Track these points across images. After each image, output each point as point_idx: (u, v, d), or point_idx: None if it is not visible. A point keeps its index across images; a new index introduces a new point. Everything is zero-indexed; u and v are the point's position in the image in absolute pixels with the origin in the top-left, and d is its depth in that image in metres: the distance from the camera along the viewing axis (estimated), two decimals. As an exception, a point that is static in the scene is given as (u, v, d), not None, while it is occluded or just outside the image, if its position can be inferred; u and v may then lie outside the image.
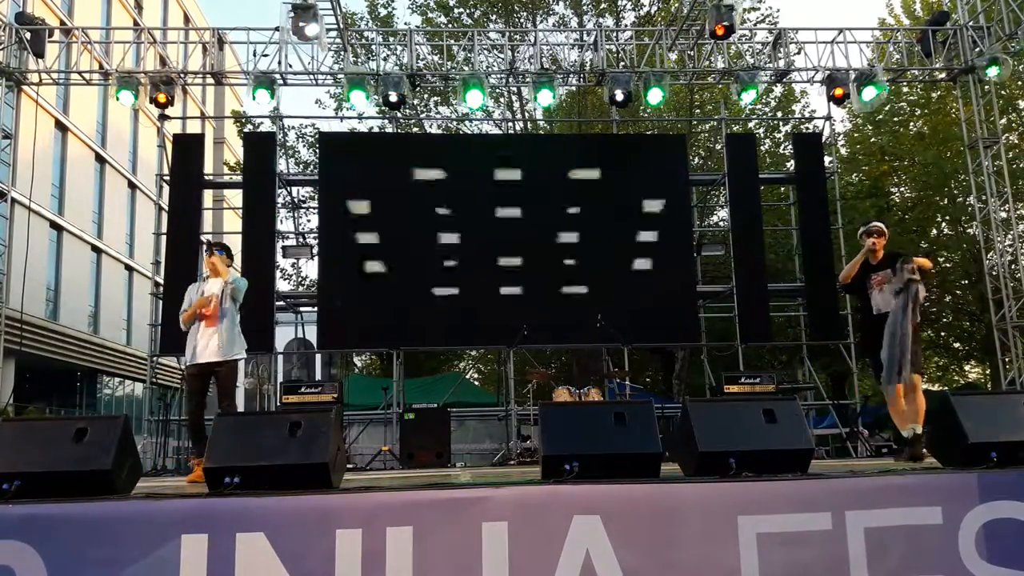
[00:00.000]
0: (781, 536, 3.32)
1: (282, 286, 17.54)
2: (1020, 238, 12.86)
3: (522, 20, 20.30)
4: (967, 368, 26.24)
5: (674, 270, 12.38)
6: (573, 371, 19.21)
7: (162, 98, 11.81)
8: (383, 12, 20.13)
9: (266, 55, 12.16)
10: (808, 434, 4.01)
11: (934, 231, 20.73)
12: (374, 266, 12.02)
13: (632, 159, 12.77)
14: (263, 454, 3.57)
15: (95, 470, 3.50)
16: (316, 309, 12.40)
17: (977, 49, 12.58)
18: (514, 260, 12.02)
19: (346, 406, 11.28)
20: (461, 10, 20.54)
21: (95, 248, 26.36)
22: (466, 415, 13.90)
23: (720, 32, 11.27)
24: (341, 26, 12.25)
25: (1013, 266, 12.64)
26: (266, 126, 18.70)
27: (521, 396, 11.97)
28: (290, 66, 12.31)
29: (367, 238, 12.04)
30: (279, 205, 12.98)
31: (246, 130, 19.70)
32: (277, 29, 11.99)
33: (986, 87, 12.92)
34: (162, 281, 12.18)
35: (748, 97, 12.59)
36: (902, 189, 21.33)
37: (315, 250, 12.97)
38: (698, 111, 20.19)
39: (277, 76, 12.13)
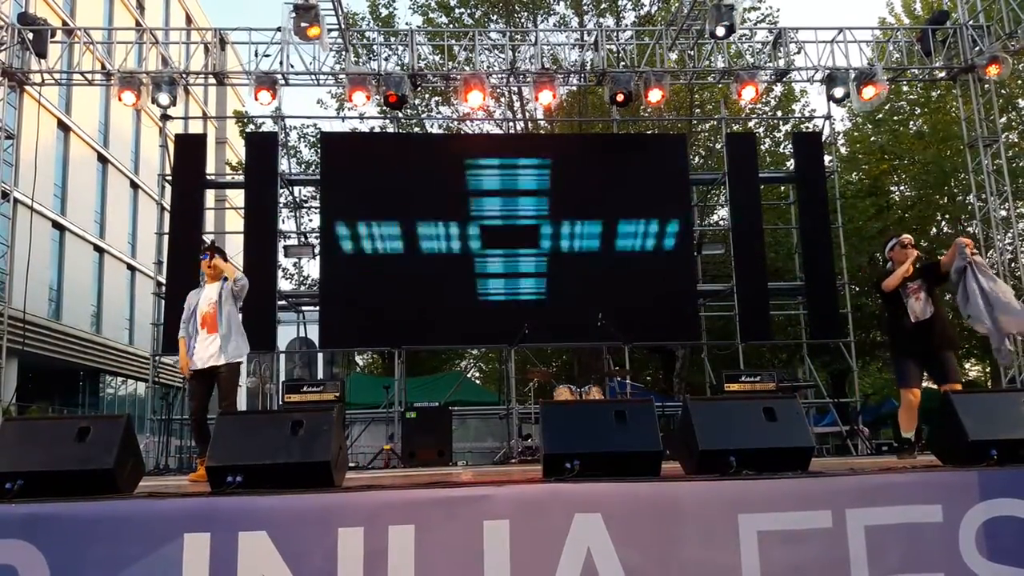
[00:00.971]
0: (782, 534, 3.33)
1: (284, 285, 17.55)
2: (1020, 236, 12.86)
3: (523, 20, 20.30)
4: (967, 366, 26.24)
5: (675, 269, 12.39)
6: (574, 370, 19.25)
7: (161, 101, 11.85)
8: (384, 12, 20.14)
9: (268, 55, 12.20)
10: (808, 432, 4.02)
11: (934, 230, 20.72)
12: (375, 266, 12.04)
13: (632, 158, 12.78)
14: (265, 453, 3.57)
15: (97, 469, 3.50)
16: (318, 308, 12.42)
17: (977, 48, 12.58)
18: (515, 259, 12.04)
19: (348, 405, 11.31)
20: (462, 10, 20.54)
21: (97, 248, 26.38)
22: (467, 414, 13.91)
23: (723, 34, 11.29)
24: (342, 26, 12.26)
25: (1013, 264, 12.64)
26: (268, 126, 18.73)
27: (522, 395, 11.98)
28: (292, 66, 12.34)
29: (368, 237, 12.05)
30: (281, 205, 12.98)
31: (248, 130, 19.72)
32: (279, 29, 12.02)
33: (986, 86, 12.92)
34: (164, 281, 12.20)
35: (748, 96, 12.60)
36: (902, 188, 21.32)
37: (317, 249, 12.99)
38: (698, 110, 20.18)
39: (279, 76, 12.15)
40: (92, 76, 12.77)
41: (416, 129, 19.61)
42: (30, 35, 11.80)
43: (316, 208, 15.98)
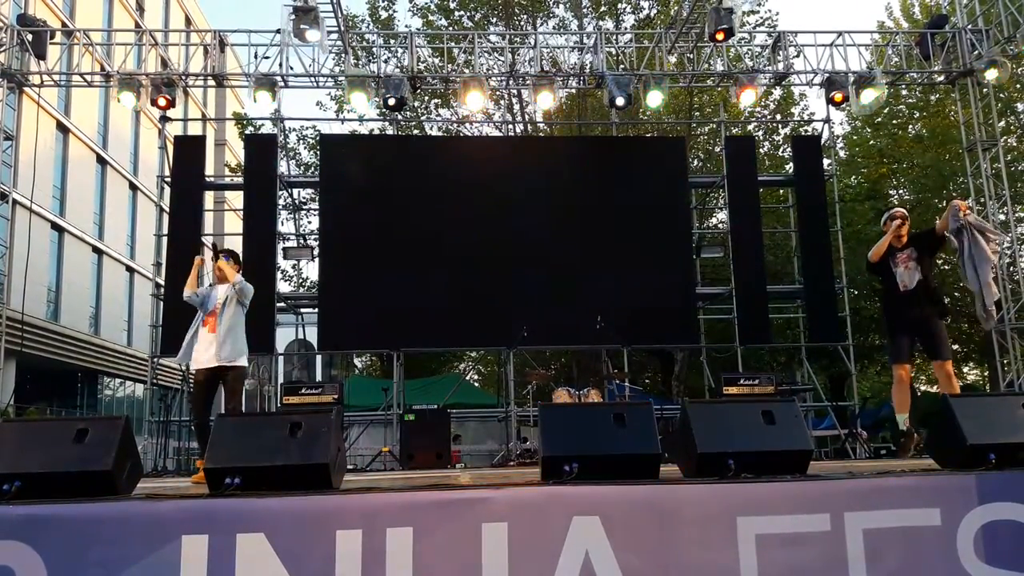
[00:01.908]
0: (780, 537, 3.33)
1: (283, 287, 17.56)
2: (1018, 240, 12.88)
3: (522, 23, 20.33)
4: (966, 370, 26.26)
5: (673, 272, 12.40)
6: (573, 372, 19.25)
7: (163, 102, 11.86)
8: (384, 15, 20.17)
9: (267, 57, 12.22)
10: (807, 435, 4.02)
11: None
12: (374, 267, 12.04)
13: (632, 161, 12.80)
14: (264, 455, 3.57)
15: (96, 471, 3.50)
16: (317, 310, 12.42)
17: (976, 52, 12.60)
18: (514, 261, 12.03)
19: (346, 407, 11.30)
20: (461, 12, 20.57)
21: (96, 249, 26.38)
22: (466, 416, 13.90)
23: (720, 36, 11.30)
24: (342, 28, 12.27)
25: (1011, 268, 12.66)
26: (267, 128, 18.75)
27: (521, 397, 11.98)
28: (291, 68, 12.35)
29: (367, 239, 12.05)
30: (280, 206, 12.99)
31: (247, 132, 19.73)
32: (278, 31, 12.04)
33: (984, 90, 12.95)
34: (163, 282, 12.20)
35: (747, 99, 12.62)
36: (901, 191, 21.34)
37: (316, 251, 13.00)
38: (697, 113, 20.21)
39: (278, 78, 12.15)
40: (91, 77, 12.77)
41: (415, 131, 19.62)
42: (29, 36, 11.80)
43: (315, 210, 16.00)
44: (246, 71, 12.43)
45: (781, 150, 20.56)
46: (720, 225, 18.35)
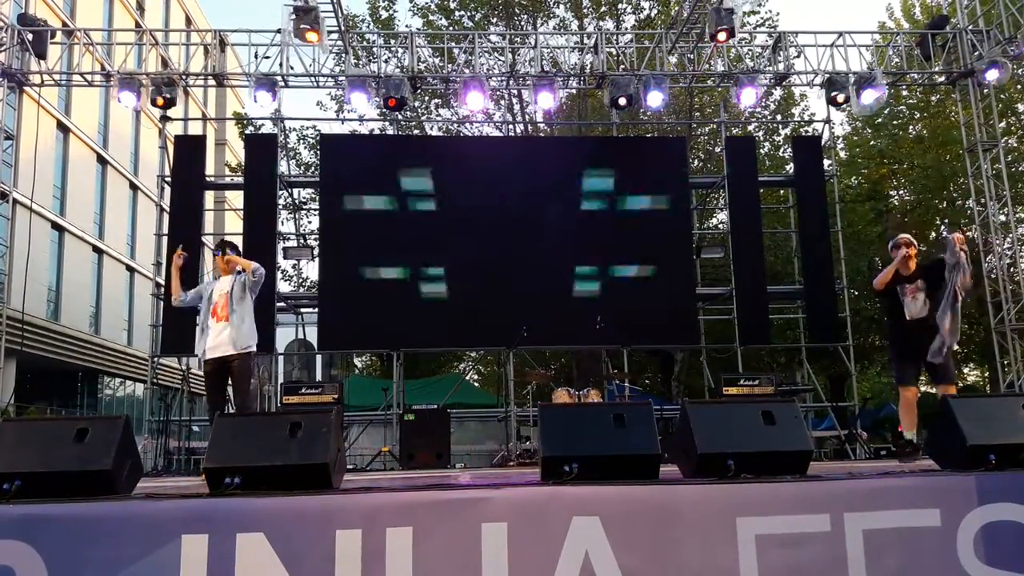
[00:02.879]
0: (780, 538, 3.33)
1: (283, 287, 17.54)
2: (1019, 241, 12.88)
3: (523, 23, 20.32)
4: (966, 371, 26.25)
5: (674, 272, 12.39)
6: (573, 372, 19.25)
7: (160, 102, 11.86)
8: (384, 15, 20.16)
9: (267, 57, 12.21)
10: (807, 436, 4.02)
11: (933, 234, 20.73)
12: (374, 267, 12.04)
13: (632, 161, 12.79)
14: (264, 454, 3.57)
15: (95, 470, 3.50)
16: (317, 310, 12.42)
17: (976, 53, 12.61)
18: (514, 261, 12.03)
19: (346, 407, 11.29)
20: (462, 13, 20.57)
21: (96, 249, 26.38)
22: (466, 416, 13.90)
23: (723, 37, 11.30)
24: (342, 28, 12.27)
25: (1012, 269, 12.66)
26: (267, 128, 18.73)
27: (521, 397, 11.97)
28: (291, 68, 12.35)
29: (367, 239, 12.05)
30: (280, 206, 12.99)
31: (247, 131, 19.73)
32: (279, 31, 12.03)
33: (985, 91, 12.94)
34: (163, 282, 12.19)
35: (747, 99, 12.62)
36: (901, 192, 21.36)
37: (316, 251, 12.99)
38: (698, 114, 20.21)
39: (278, 78, 12.16)
40: (92, 77, 12.77)
41: (416, 131, 19.62)
42: (30, 36, 11.80)
43: (315, 210, 16.00)
44: (246, 71, 12.43)
45: (781, 150, 20.57)
46: (720, 225, 18.34)
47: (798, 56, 12.97)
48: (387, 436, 11.67)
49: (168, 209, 12.31)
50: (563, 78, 13.11)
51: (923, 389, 6.77)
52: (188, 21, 33.73)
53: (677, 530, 3.31)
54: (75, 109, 24.77)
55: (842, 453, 11.71)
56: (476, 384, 24.82)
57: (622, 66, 12.71)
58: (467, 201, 12.28)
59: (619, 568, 3.21)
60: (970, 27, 12.88)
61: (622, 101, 12.02)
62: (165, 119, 12.88)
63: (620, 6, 20.46)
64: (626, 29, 19.51)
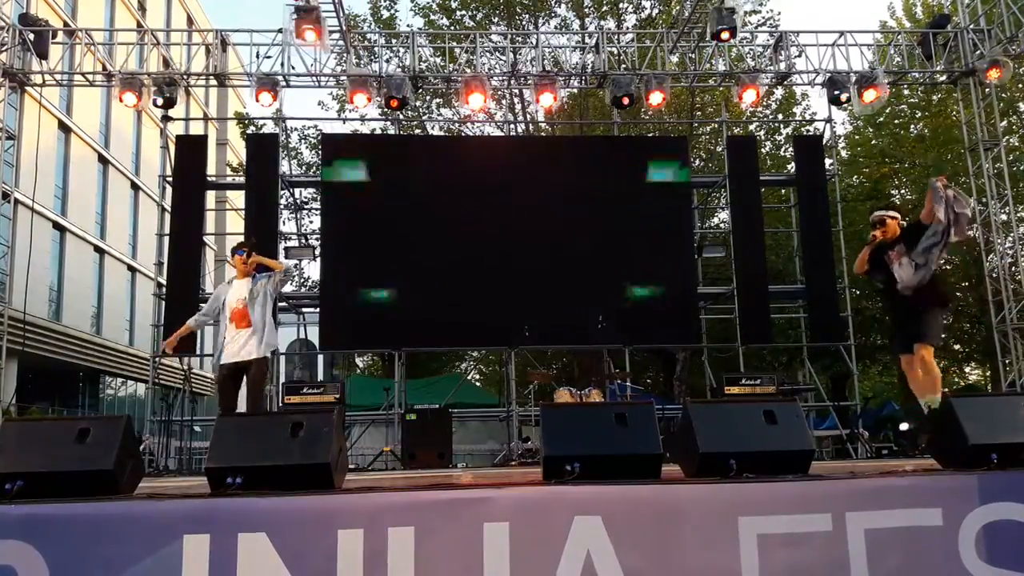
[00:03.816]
0: (782, 537, 3.33)
1: (284, 287, 17.54)
2: (1020, 240, 12.87)
3: (524, 22, 20.32)
4: (967, 370, 26.25)
5: (675, 271, 12.39)
6: (574, 372, 19.26)
7: (160, 101, 11.87)
8: (385, 14, 20.17)
9: (269, 57, 12.22)
10: (809, 436, 4.02)
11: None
12: (376, 267, 12.04)
13: (633, 161, 12.79)
14: (265, 454, 3.58)
15: (97, 470, 3.50)
16: (318, 310, 12.42)
17: (978, 52, 12.60)
18: (516, 261, 12.03)
19: (348, 407, 11.30)
20: (463, 12, 20.57)
21: (98, 249, 26.39)
22: (468, 416, 13.90)
23: (726, 36, 11.29)
24: (344, 28, 12.27)
25: (1013, 268, 12.65)
26: (269, 127, 18.74)
27: (522, 397, 11.98)
28: (293, 68, 12.35)
29: (369, 239, 12.05)
30: (281, 206, 12.99)
31: (249, 131, 19.74)
32: (280, 31, 12.04)
33: (987, 90, 12.93)
34: (165, 282, 12.21)
35: (749, 99, 12.62)
36: (903, 191, 21.33)
37: (317, 251, 13.00)
38: (699, 113, 20.21)
39: (280, 78, 12.16)
40: (93, 77, 12.78)
41: (417, 131, 19.63)
42: (31, 36, 11.81)
43: (317, 210, 16.01)
44: (248, 70, 12.43)
45: (783, 150, 20.56)
46: (722, 225, 18.33)
47: (799, 55, 12.96)
48: (389, 436, 11.68)
49: (169, 209, 12.32)
50: (564, 77, 13.11)
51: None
52: (190, 21, 33.73)
53: (679, 530, 3.31)
54: (76, 109, 24.78)
55: (844, 453, 11.70)
56: (478, 384, 24.86)
57: (623, 65, 12.71)
58: (468, 200, 12.27)
59: (621, 568, 3.21)
60: (971, 26, 12.87)
61: (624, 100, 12.02)
62: (166, 119, 12.89)
63: (621, 5, 20.46)
64: (627, 28, 19.50)
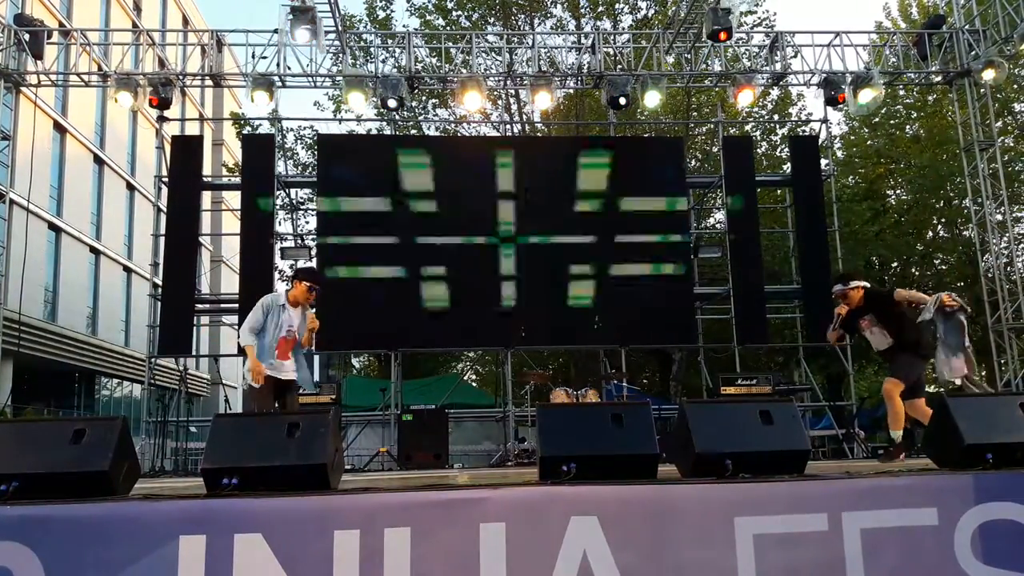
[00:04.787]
0: (778, 537, 3.34)
1: (280, 287, 17.52)
2: (1016, 240, 12.90)
3: (520, 23, 20.32)
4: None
5: (671, 272, 12.40)
6: (571, 372, 19.27)
7: (157, 102, 11.86)
8: (381, 15, 20.14)
9: (265, 57, 12.19)
10: (805, 436, 4.03)
11: (930, 233, 20.77)
12: (372, 267, 12.04)
13: (629, 161, 12.79)
14: (261, 455, 3.57)
15: (93, 471, 3.50)
16: (313, 310, 12.38)
17: (973, 52, 12.63)
18: (512, 262, 12.03)
19: (344, 407, 11.29)
20: (459, 12, 20.55)
21: (93, 249, 26.34)
22: (464, 416, 13.89)
23: (723, 37, 11.30)
24: (340, 28, 12.26)
25: (1009, 268, 12.70)
26: (265, 128, 18.71)
27: (518, 398, 11.97)
28: (288, 68, 12.33)
29: (365, 239, 12.04)
30: (278, 207, 12.98)
31: (245, 132, 19.69)
32: (276, 31, 12.02)
33: (982, 90, 12.97)
34: (160, 282, 12.18)
35: (745, 99, 12.63)
36: (898, 192, 21.37)
37: (313, 251, 12.98)
38: (695, 114, 20.22)
39: (276, 78, 12.14)
40: (88, 77, 12.76)
41: (413, 131, 19.61)
42: (26, 36, 11.78)
43: (313, 210, 15.98)
44: (244, 71, 12.41)
45: (779, 150, 20.58)
46: (718, 225, 18.35)
47: (795, 56, 12.99)
48: (385, 436, 11.67)
49: (165, 209, 12.30)
50: (560, 78, 13.10)
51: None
52: (185, 21, 33.69)
53: (675, 530, 3.31)
54: (72, 109, 24.73)
55: (840, 452, 11.72)
56: (474, 384, 24.82)
57: (619, 66, 12.72)
58: (464, 201, 12.27)
59: (617, 568, 3.21)
60: (967, 27, 12.90)
61: (620, 101, 12.02)
62: (162, 119, 12.87)
63: (617, 6, 20.45)
64: (623, 29, 19.52)
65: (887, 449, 6.35)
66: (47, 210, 22.91)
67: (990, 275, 12.99)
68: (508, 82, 13.77)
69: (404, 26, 19.77)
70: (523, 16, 20.47)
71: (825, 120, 13.74)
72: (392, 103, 11.93)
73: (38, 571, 3.04)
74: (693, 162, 19.54)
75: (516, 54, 14.21)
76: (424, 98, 20.02)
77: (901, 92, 19.07)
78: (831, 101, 12.66)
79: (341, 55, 13.49)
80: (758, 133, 20.40)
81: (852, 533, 3.36)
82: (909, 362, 6.28)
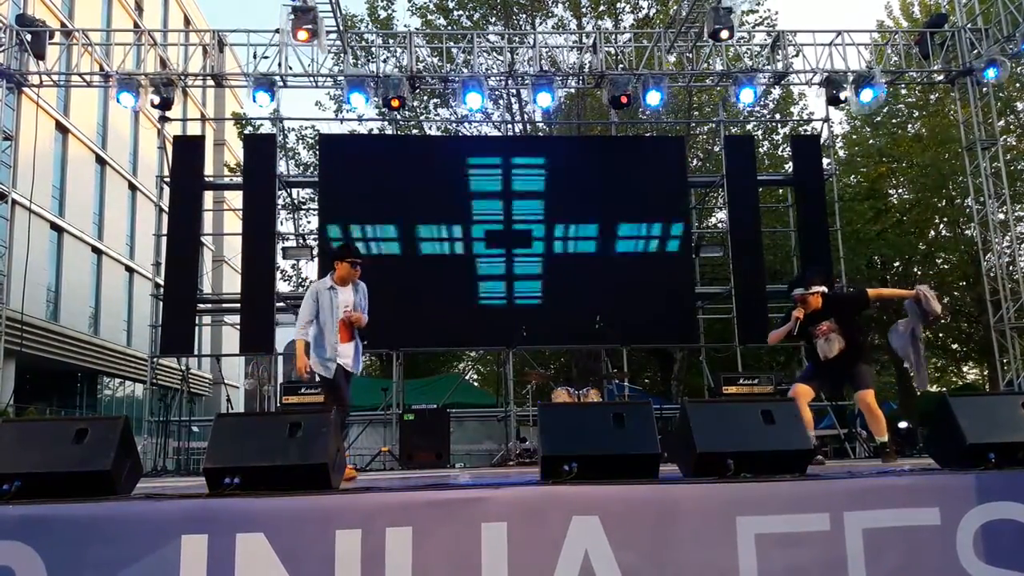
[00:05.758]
0: (779, 537, 3.33)
1: (282, 287, 17.53)
2: (1018, 239, 12.89)
3: (521, 22, 20.32)
4: (965, 369, 26.29)
5: (673, 271, 12.40)
6: (572, 372, 19.25)
7: (156, 101, 11.86)
8: (383, 14, 20.15)
9: (266, 57, 12.20)
10: (806, 435, 4.02)
11: (932, 233, 20.77)
12: (373, 267, 12.02)
13: (631, 161, 12.79)
14: (263, 455, 3.57)
15: (95, 471, 3.50)
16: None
17: (975, 51, 12.61)
18: (513, 261, 12.03)
19: (345, 407, 11.23)
20: (460, 12, 20.56)
21: (95, 249, 26.36)
22: (465, 416, 13.89)
23: (725, 36, 11.29)
24: (341, 28, 12.26)
25: (1011, 267, 12.67)
26: (266, 128, 18.73)
27: (520, 397, 11.97)
28: (290, 68, 12.34)
29: (366, 239, 12.05)
30: (279, 206, 12.98)
31: (246, 132, 19.71)
32: (277, 31, 12.02)
33: (984, 89, 12.94)
34: (162, 282, 12.19)
35: (746, 98, 12.62)
36: (900, 191, 21.37)
37: (315, 251, 12.99)
38: (696, 113, 20.21)
39: (277, 78, 12.15)
40: (90, 78, 12.76)
41: (414, 131, 19.62)
42: (28, 36, 11.79)
43: (314, 210, 15.99)
44: (245, 71, 12.41)
45: (780, 149, 20.57)
46: (719, 224, 18.33)
47: (797, 55, 12.99)
48: (386, 436, 11.68)
49: (167, 209, 12.31)
50: (562, 77, 13.11)
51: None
52: (187, 21, 33.71)
53: (677, 529, 3.31)
54: (74, 110, 24.75)
55: (841, 452, 11.71)
56: (475, 384, 24.83)
57: (621, 65, 12.71)
58: (465, 200, 12.28)
59: (619, 567, 3.21)
60: (969, 25, 12.89)
61: (621, 100, 12.02)
62: (164, 119, 12.87)
63: (619, 5, 20.45)
64: (624, 28, 19.51)
65: (885, 451, 6.32)
66: (49, 210, 22.93)
67: (992, 274, 12.97)
68: (509, 82, 13.76)
69: (405, 26, 19.77)
70: (524, 16, 20.47)
71: (827, 119, 13.73)
72: (394, 102, 11.92)
73: (40, 570, 3.05)
74: (694, 161, 19.53)
75: (517, 54, 14.21)
76: (425, 98, 20.03)
77: (903, 91, 19.06)
78: (833, 100, 12.64)
79: (342, 55, 13.49)
80: (760, 132, 20.39)
81: (854, 533, 3.35)
82: (869, 368, 6.45)
